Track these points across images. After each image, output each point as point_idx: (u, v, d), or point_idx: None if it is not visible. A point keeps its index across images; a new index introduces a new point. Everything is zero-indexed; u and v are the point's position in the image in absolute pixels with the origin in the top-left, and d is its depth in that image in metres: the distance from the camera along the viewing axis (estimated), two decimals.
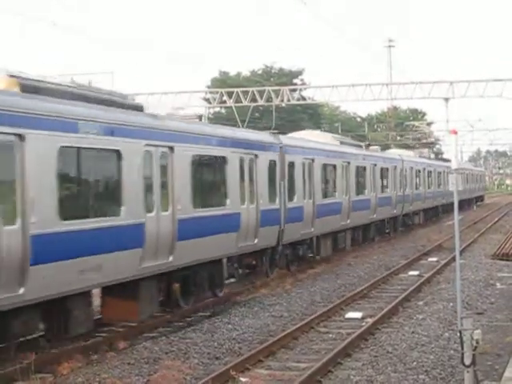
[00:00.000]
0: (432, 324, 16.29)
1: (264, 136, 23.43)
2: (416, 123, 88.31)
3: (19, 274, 11.98)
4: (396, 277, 24.52)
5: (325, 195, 27.45)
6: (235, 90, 45.24)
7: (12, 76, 13.59)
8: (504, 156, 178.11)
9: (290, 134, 29.37)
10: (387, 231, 38.51)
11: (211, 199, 19.16)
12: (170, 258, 16.47)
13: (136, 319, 16.23)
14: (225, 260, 19.86)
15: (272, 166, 22.69)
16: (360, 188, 32.28)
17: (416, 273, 24.99)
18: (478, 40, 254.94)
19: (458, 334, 11.85)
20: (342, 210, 29.23)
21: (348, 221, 29.89)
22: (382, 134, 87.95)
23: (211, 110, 63.01)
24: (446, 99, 44.83)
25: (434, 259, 28.65)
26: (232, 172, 19.80)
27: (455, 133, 12.87)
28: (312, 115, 75.02)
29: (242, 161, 20.52)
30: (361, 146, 36.77)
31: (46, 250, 12.58)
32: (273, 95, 44.09)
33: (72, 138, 13.60)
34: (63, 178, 13.48)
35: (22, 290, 12.08)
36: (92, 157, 14.39)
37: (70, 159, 13.82)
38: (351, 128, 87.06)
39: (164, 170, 16.52)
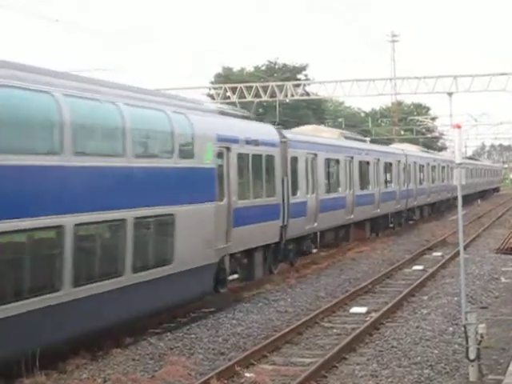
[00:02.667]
0: (436, 318, 16.30)
1: (397, 149, 42.08)
2: (420, 118, 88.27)
3: (315, 217, 25.39)
4: (400, 271, 24.54)
5: (404, 184, 40.90)
6: (239, 85, 45.22)
7: (341, 132, 33.83)
8: (508, 150, 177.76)
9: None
10: (442, 209, 52.57)
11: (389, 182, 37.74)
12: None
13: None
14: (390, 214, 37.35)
15: (398, 165, 39.22)
16: (421, 180, 46.04)
17: (420, 267, 25.01)
18: (482, 34, 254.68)
19: (463, 329, 11.91)
20: (414, 194, 42.98)
21: (415, 202, 43.60)
22: (385, 128, 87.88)
23: None
24: (450, 94, 44.83)
25: (439, 254, 28.67)
26: (381, 170, 36.53)
27: (459, 127, 12.88)
28: (316, 111, 74.91)
29: (391, 164, 37.98)
30: (427, 151, 54.46)
31: (323, 205, 26.18)
32: (277, 91, 44.09)
33: None
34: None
35: (315, 224, 25.48)
36: None
37: None
38: (355, 123, 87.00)
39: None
